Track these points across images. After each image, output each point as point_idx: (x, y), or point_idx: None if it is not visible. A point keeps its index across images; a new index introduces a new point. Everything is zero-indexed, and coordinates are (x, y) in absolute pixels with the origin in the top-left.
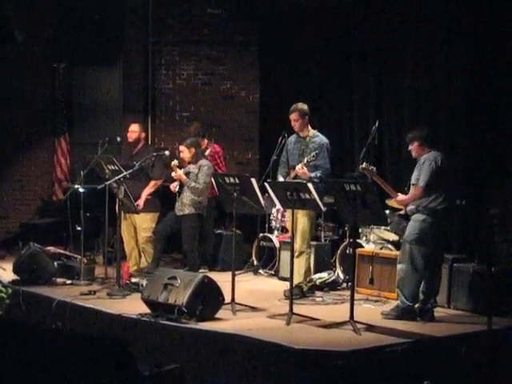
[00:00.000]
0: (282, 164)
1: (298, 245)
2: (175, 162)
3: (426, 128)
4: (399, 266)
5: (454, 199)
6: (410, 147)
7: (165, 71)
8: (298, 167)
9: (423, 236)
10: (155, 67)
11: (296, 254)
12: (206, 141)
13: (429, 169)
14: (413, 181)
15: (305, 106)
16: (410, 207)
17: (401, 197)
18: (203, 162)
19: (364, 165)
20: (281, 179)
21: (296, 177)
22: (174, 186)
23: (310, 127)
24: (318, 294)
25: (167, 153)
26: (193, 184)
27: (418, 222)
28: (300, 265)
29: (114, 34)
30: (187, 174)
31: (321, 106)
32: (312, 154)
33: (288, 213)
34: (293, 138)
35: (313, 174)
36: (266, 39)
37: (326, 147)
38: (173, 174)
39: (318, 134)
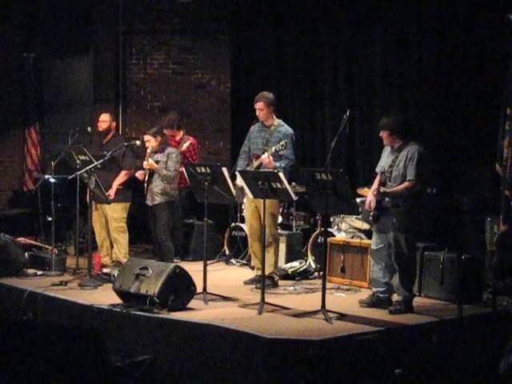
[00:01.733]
0: (242, 154)
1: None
2: (150, 151)
3: (401, 117)
4: (399, 262)
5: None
6: (381, 134)
7: (135, 60)
8: (265, 156)
9: (414, 225)
10: (126, 57)
11: (250, 244)
12: (181, 132)
13: (422, 164)
14: (410, 176)
15: (271, 95)
16: (389, 200)
17: (384, 188)
18: (170, 149)
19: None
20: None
21: (260, 166)
22: (141, 174)
23: (274, 116)
24: (290, 283)
25: (138, 142)
26: (164, 172)
27: (406, 212)
28: (268, 256)
29: (84, 24)
30: (156, 162)
31: (292, 95)
32: (281, 143)
33: (246, 203)
34: (256, 126)
35: (277, 164)
36: (237, 28)
37: (292, 138)
38: (144, 163)
39: (283, 123)
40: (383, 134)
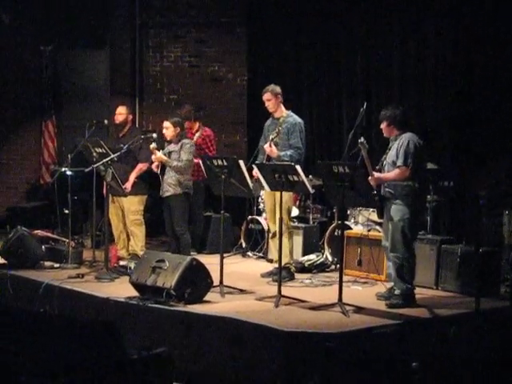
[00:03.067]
0: (261, 150)
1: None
2: (154, 145)
3: (399, 108)
4: (394, 255)
5: (426, 179)
6: (381, 126)
7: (152, 53)
8: (266, 146)
9: (413, 218)
10: (142, 49)
11: (271, 235)
12: (197, 124)
13: (413, 149)
14: (399, 162)
15: (277, 88)
16: (387, 189)
17: (378, 174)
18: (185, 140)
19: (362, 139)
20: None
21: (268, 158)
22: (156, 166)
23: (283, 108)
24: (307, 276)
25: (155, 135)
26: (175, 163)
27: (404, 204)
28: (283, 245)
29: (101, 17)
30: (169, 153)
31: (309, 88)
32: (276, 130)
33: (265, 194)
34: (268, 120)
35: (282, 153)
36: (254, 21)
37: (300, 127)
38: (153, 157)
39: (292, 114)
40: (382, 125)
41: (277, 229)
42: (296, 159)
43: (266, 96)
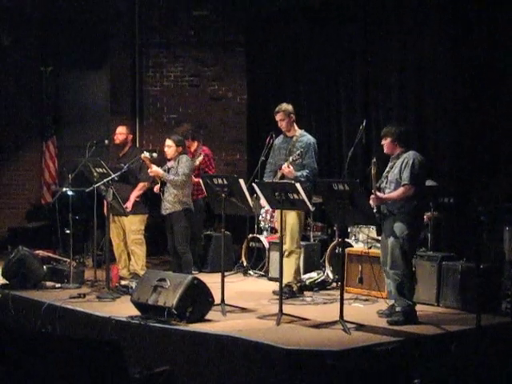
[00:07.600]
0: (267, 167)
1: (287, 245)
2: (146, 154)
3: (403, 126)
4: (394, 271)
5: (426, 196)
6: (383, 142)
7: (152, 73)
8: (284, 166)
9: (411, 234)
10: (142, 69)
11: (286, 254)
12: (195, 143)
13: (419, 169)
14: (405, 181)
15: (289, 107)
16: (386, 206)
17: (381, 194)
18: (182, 156)
19: (375, 159)
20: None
21: (283, 176)
22: (158, 188)
23: (296, 127)
24: (308, 293)
25: (155, 155)
26: (171, 177)
27: (403, 221)
28: (289, 264)
29: (101, 37)
30: (168, 170)
31: (308, 106)
32: (297, 153)
33: (277, 213)
34: (279, 138)
35: (299, 173)
36: (253, 40)
37: (313, 146)
38: (149, 170)
39: (306, 133)
40: (385, 142)
41: (285, 247)
42: (311, 179)
43: (279, 116)
